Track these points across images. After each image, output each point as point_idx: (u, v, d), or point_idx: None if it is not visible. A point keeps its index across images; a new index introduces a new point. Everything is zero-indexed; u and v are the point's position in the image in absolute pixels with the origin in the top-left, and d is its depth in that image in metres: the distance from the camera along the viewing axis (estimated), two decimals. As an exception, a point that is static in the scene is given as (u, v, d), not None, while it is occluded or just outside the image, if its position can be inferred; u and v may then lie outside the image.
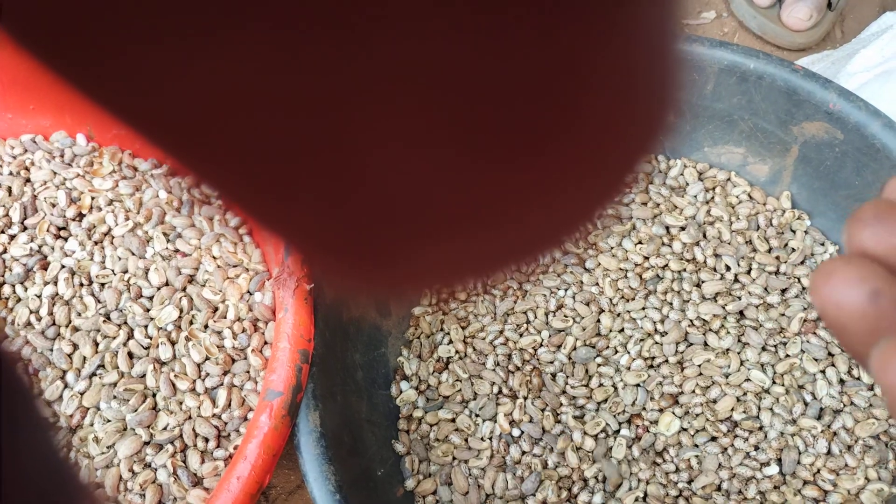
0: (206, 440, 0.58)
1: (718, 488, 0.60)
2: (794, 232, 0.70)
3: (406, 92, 0.12)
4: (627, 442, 0.62)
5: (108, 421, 0.59)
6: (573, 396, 0.63)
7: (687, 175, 0.73)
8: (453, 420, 0.63)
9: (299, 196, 0.14)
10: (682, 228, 0.70)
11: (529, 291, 0.68)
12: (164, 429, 0.58)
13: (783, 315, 0.66)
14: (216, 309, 0.63)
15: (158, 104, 0.12)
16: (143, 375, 0.60)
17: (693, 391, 0.63)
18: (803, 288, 0.67)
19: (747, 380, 0.63)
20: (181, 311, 0.62)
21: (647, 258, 0.69)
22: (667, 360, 0.64)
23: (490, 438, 0.62)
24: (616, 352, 0.65)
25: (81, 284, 0.64)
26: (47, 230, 0.67)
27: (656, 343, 0.65)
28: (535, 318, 0.67)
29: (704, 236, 0.70)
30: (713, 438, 0.61)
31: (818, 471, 0.60)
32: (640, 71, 0.15)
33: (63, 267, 0.65)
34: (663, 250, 0.69)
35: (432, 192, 0.14)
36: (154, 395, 0.60)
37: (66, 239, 0.67)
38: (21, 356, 0.61)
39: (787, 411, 0.62)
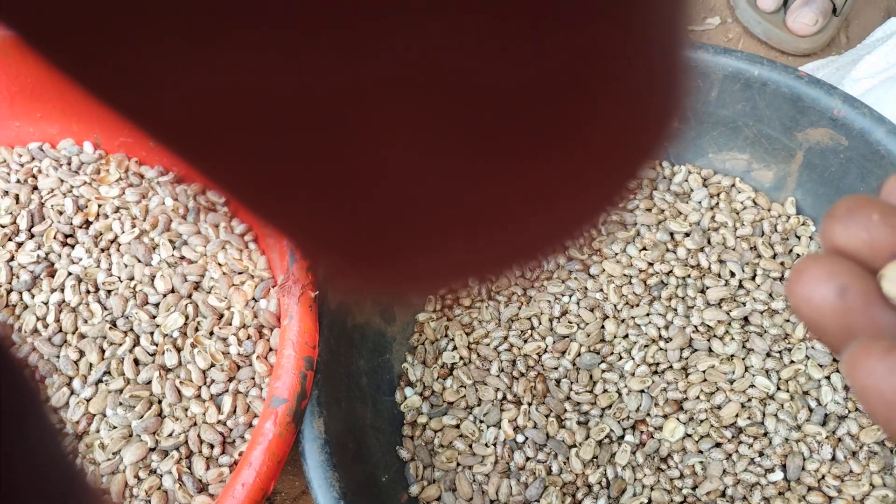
0: (212, 446, 0.58)
1: (723, 494, 0.60)
2: (798, 238, 0.70)
3: (414, 95, 0.12)
4: (632, 448, 0.62)
5: (114, 427, 0.59)
6: (577, 402, 0.63)
7: (691, 181, 0.73)
8: (458, 426, 0.63)
9: (308, 197, 0.14)
10: (687, 234, 0.70)
11: (534, 297, 0.68)
12: (170, 435, 0.59)
13: (788, 321, 0.65)
14: (221, 316, 0.63)
15: (168, 104, 0.12)
16: (149, 382, 0.60)
17: (697, 397, 0.63)
18: (808, 294, 0.67)
19: (752, 386, 0.63)
20: (187, 317, 0.63)
21: (651, 264, 0.69)
22: (671, 366, 0.64)
23: (494, 444, 0.62)
24: (620, 358, 0.65)
25: (88, 291, 0.65)
26: (54, 237, 0.67)
27: (661, 349, 0.65)
28: (540, 324, 0.67)
29: (709, 242, 0.70)
30: (718, 444, 0.61)
31: (823, 477, 0.60)
32: (648, 77, 0.15)
33: (70, 274, 0.65)
34: (668, 256, 0.69)
35: (438, 194, 0.14)
36: (160, 402, 0.60)
37: (72, 246, 0.67)
38: (28, 363, 0.62)
39: (792, 417, 0.62)
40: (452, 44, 0.11)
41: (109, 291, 0.65)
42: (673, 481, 0.60)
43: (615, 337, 0.66)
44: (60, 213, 0.68)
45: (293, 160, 0.13)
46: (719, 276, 0.68)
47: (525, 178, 0.15)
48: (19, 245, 0.67)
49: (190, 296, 0.64)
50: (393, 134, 0.13)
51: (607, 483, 0.61)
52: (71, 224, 0.68)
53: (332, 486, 0.52)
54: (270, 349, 0.61)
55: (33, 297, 0.65)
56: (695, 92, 0.68)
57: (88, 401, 0.60)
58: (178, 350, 0.62)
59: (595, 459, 0.61)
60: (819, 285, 0.18)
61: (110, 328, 0.62)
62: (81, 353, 0.62)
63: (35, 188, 0.70)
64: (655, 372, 0.64)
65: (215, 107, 0.12)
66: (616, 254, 0.70)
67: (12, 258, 0.66)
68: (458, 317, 0.68)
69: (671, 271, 0.68)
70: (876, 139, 0.63)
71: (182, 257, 0.66)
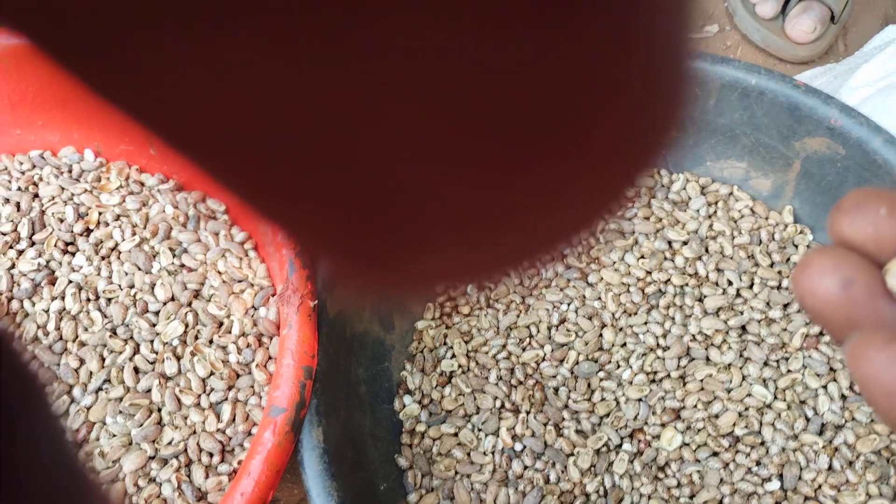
0: (211, 455, 0.59)
1: (720, 503, 0.60)
2: (796, 246, 0.70)
3: (419, 99, 0.12)
4: (629, 456, 0.62)
5: (114, 436, 0.59)
6: (575, 411, 0.64)
7: (689, 189, 0.73)
8: (456, 434, 0.63)
9: (313, 198, 0.15)
10: (685, 243, 0.70)
11: (532, 305, 0.68)
12: (169, 443, 0.59)
13: (785, 330, 0.66)
14: (221, 324, 0.63)
15: (177, 106, 0.12)
16: (149, 390, 0.61)
17: (695, 406, 0.63)
18: (805, 303, 0.67)
19: (749, 395, 0.63)
20: (187, 326, 0.63)
21: (649, 273, 0.69)
22: (669, 375, 0.65)
23: (492, 453, 0.63)
24: (618, 366, 0.65)
25: (88, 299, 0.65)
26: (55, 245, 0.67)
27: (658, 358, 0.65)
28: (538, 332, 0.67)
29: (707, 251, 0.70)
30: (715, 453, 0.62)
31: (819, 486, 0.60)
32: (649, 86, 0.15)
33: (70, 282, 0.66)
34: (665, 265, 0.69)
35: (439, 196, 0.15)
36: (159, 410, 0.61)
37: (73, 254, 0.67)
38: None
39: (789, 427, 0.62)
40: (456, 50, 0.12)
41: (110, 299, 0.65)
42: (670, 490, 0.61)
43: (613, 345, 0.66)
44: (61, 220, 0.69)
45: (299, 162, 0.14)
46: (717, 284, 0.68)
47: (525, 182, 0.15)
48: (20, 253, 0.67)
49: (190, 304, 0.64)
50: (397, 137, 0.13)
51: (605, 492, 0.61)
52: (72, 232, 0.68)
53: (330, 495, 0.52)
54: (270, 358, 0.62)
55: (34, 305, 0.65)
56: (693, 101, 0.68)
57: (88, 409, 0.60)
58: (178, 358, 0.62)
59: (593, 468, 0.62)
60: (824, 277, 0.18)
61: (110, 336, 0.63)
62: (82, 362, 0.62)
63: (36, 196, 0.71)
64: (653, 380, 0.65)
65: (224, 109, 0.12)
66: (614, 262, 0.70)
67: (13, 266, 0.67)
68: (457, 325, 0.68)
69: (669, 280, 0.68)
70: (873, 148, 0.63)
71: (182, 265, 0.66)
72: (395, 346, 0.67)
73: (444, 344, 0.68)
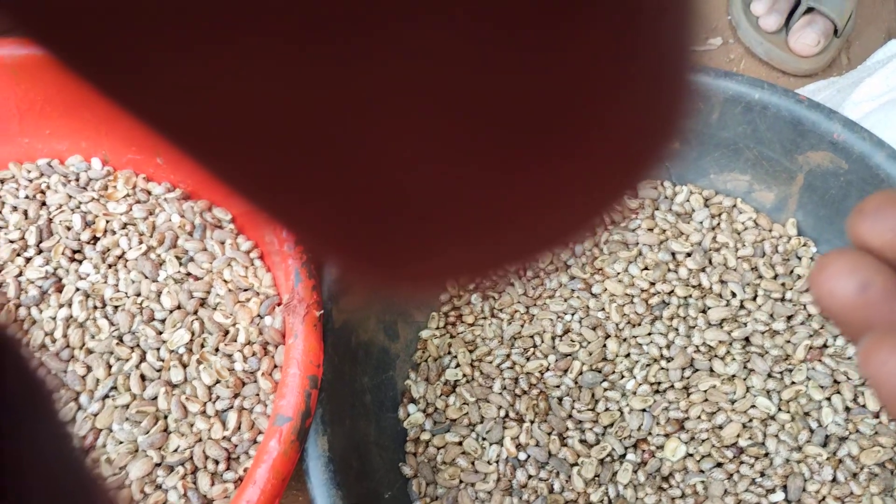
0: (217, 462, 0.59)
1: (724, 515, 0.60)
2: (799, 259, 0.71)
3: (423, 102, 0.13)
4: (633, 467, 0.62)
5: (121, 443, 0.60)
6: (579, 421, 0.64)
7: (693, 201, 0.73)
8: (460, 443, 0.64)
9: (323, 199, 0.15)
10: (688, 254, 0.70)
11: (536, 315, 0.69)
12: (175, 451, 0.59)
13: (789, 342, 0.66)
14: (227, 332, 0.64)
15: (189, 110, 0.13)
16: (155, 398, 0.61)
17: (699, 417, 0.63)
18: (809, 315, 0.67)
19: (753, 406, 0.63)
20: (193, 334, 0.63)
21: (653, 284, 0.69)
22: (672, 386, 0.65)
23: (497, 462, 0.63)
24: (622, 377, 0.66)
25: (95, 307, 0.65)
26: (62, 253, 0.68)
27: (662, 368, 0.65)
28: (542, 342, 0.68)
29: (710, 262, 0.70)
30: (719, 464, 0.62)
31: (823, 498, 0.60)
32: (651, 96, 0.15)
33: (77, 290, 0.66)
34: (669, 276, 0.69)
35: (443, 197, 0.15)
36: (165, 418, 0.61)
37: (80, 262, 0.68)
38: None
39: (793, 438, 0.62)
40: (461, 52, 0.12)
41: (116, 307, 0.65)
42: (674, 500, 0.61)
43: (617, 356, 0.66)
44: (68, 228, 0.69)
45: (305, 163, 0.14)
46: (720, 296, 0.68)
47: (526, 183, 0.15)
48: (28, 260, 0.68)
49: (196, 312, 0.65)
50: (401, 138, 0.13)
51: (609, 501, 0.61)
52: (79, 240, 0.68)
53: (336, 503, 0.53)
54: (275, 366, 0.62)
55: (41, 312, 0.65)
56: (695, 113, 0.69)
57: (95, 416, 0.61)
58: (184, 366, 0.62)
59: (597, 478, 0.62)
60: (842, 279, 0.19)
61: (117, 344, 0.63)
62: (88, 369, 0.62)
63: (43, 204, 0.71)
64: (657, 391, 0.65)
65: (231, 110, 0.12)
66: (618, 273, 0.70)
67: (21, 273, 0.67)
68: (461, 334, 0.69)
69: (673, 291, 0.69)
70: (875, 163, 0.64)
71: (188, 274, 0.67)
72: (399, 356, 0.67)
73: (449, 353, 0.68)
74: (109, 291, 0.66)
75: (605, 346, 0.67)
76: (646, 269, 0.70)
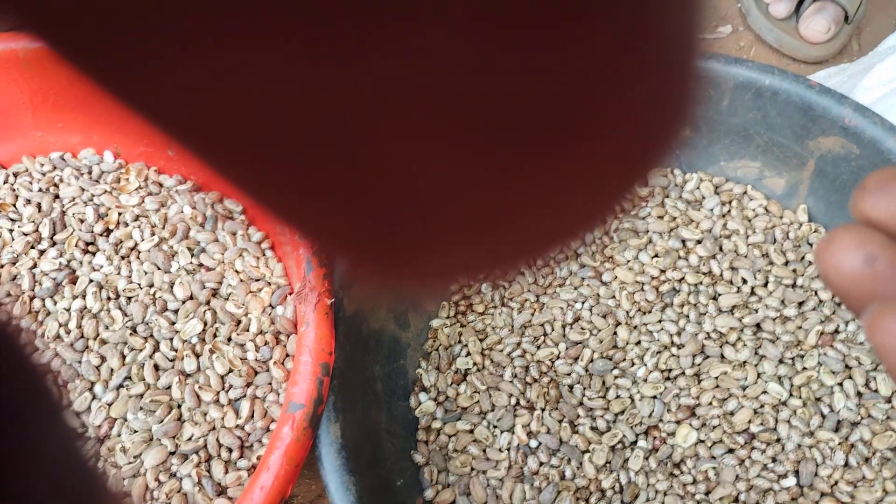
0: (230, 450, 0.59)
1: (736, 500, 0.60)
2: (810, 245, 0.70)
3: (427, 101, 0.13)
4: (644, 453, 0.62)
5: (135, 431, 0.60)
6: (590, 408, 0.64)
7: (703, 189, 0.73)
8: (471, 431, 0.64)
9: (331, 198, 0.15)
10: (699, 242, 0.70)
11: (547, 304, 0.69)
12: (189, 439, 0.60)
13: (800, 328, 0.66)
14: (239, 322, 0.64)
15: (197, 108, 0.13)
16: (169, 387, 0.62)
17: (710, 403, 0.63)
18: (820, 301, 0.67)
19: (764, 392, 0.63)
20: (205, 324, 0.64)
21: (663, 271, 0.69)
22: (683, 373, 0.65)
23: (508, 449, 0.63)
24: (633, 364, 0.66)
25: (109, 298, 0.66)
26: (76, 245, 0.68)
27: (673, 355, 0.65)
28: (553, 330, 0.68)
29: (721, 249, 0.70)
30: (730, 450, 0.62)
31: (836, 483, 0.60)
32: (660, 84, 0.15)
33: (91, 281, 0.67)
34: (680, 263, 0.69)
35: (451, 192, 0.15)
36: (179, 407, 0.61)
37: (93, 254, 0.68)
38: (51, 368, 0.63)
39: (805, 423, 0.62)
40: (465, 48, 0.12)
41: (130, 298, 0.66)
42: (686, 487, 0.61)
43: (627, 343, 0.66)
44: (82, 221, 0.70)
45: (311, 162, 0.14)
46: (731, 283, 0.68)
47: (535, 180, 0.15)
48: (42, 253, 0.69)
49: (208, 302, 0.65)
50: (405, 137, 0.13)
51: (620, 488, 0.61)
52: (92, 232, 0.69)
53: (348, 490, 0.53)
54: (287, 355, 0.62)
55: (55, 303, 0.66)
56: (705, 100, 0.69)
57: (110, 405, 0.61)
58: (197, 356, 0.63)
59: (608, 464, 0.62)
60: (848, 253, 0.19)
61: (131, 334, 0.64)
62: (103, 359, 0.63)
63: (57, 197, 0.72)
64: (668, 378, 0.65)
65: (237, 110, 0.13)
66: (628, 261, 0.70)
67: (35, 265, 0.68)
68: (472, 323, 0.69)
69: (683, 278, 0.69)
70: (887, 147, 0.63)
71: (200, 264, 0.67)
72: (410, 344, 0.68)
73: (459, 342, 0.68)
74: (123, 282, 0.66)
75: (615, 333, 0.67)
76: (656, 256, 0.70)
